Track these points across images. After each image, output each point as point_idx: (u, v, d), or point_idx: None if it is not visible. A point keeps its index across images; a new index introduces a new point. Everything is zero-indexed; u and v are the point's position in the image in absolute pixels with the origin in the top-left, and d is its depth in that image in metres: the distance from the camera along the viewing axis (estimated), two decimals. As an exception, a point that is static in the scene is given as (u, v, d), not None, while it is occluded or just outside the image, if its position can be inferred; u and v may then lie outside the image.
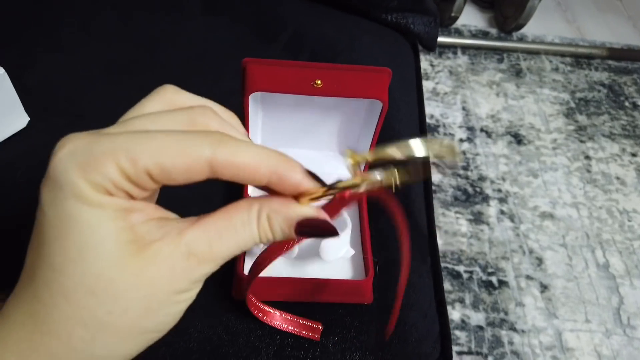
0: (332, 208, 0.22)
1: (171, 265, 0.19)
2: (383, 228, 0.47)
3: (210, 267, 0.20)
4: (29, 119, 0.49)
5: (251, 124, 0.40)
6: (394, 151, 0.20)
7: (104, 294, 0.18)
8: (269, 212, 0.20)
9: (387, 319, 0.42)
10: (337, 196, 0.22)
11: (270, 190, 0.21)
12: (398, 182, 0.21)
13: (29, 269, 0.19)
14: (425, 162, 0.21)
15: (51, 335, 0.18)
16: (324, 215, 0.21)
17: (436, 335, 0.44)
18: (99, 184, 0.18)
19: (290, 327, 0.38)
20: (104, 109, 0.53)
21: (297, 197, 0.21)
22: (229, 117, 0.23)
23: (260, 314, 0.37)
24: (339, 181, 0.21)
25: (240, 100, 0.40)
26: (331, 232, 0.21)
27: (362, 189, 0.21)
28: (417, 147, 0.20)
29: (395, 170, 0.21)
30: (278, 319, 0.37)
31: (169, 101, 0.22)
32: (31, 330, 0.19)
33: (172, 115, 0.20)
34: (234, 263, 0.40)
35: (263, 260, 0.30)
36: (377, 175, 0.21)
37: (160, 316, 0.19)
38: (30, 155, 0.48)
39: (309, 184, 0.20)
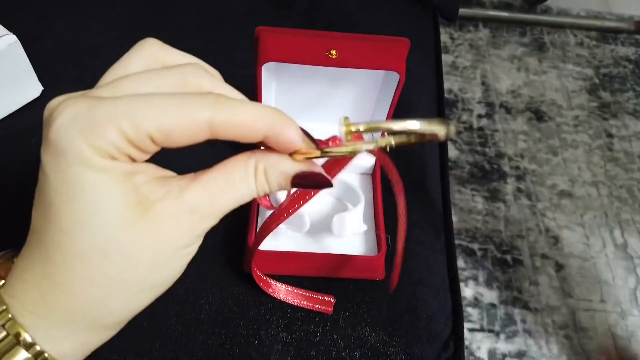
0: (328, 167, 0.23)
1: (176, 223, 0.19)
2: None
3: (212, 221, 0.21)
4: (42, 87, 0.49)
5: (264, 95, 0.39)
6: (388, 123, 0.21)
7: (115, 255, 0.19)
8: (265, 166, 0.21)
9: (399, 295, 0.41)
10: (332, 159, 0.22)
11: (267, 147, 0.21)
12: (393, 144, 0.21)
13: (37, 231, 0.20)
14: (420, 134, 0.21)
15: (67, 295, 0.19)
16: (319, 169, 0.22)
17: (448, 313, 0.43)
18: (102, 149, 0.18)
19: (302, 302, 0.38)
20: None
21: (291, 154, 0.21)
22: (216, 74, 0.23)
23: (264, 285, 0.37)
24: (333, 137, 0.22)
25: (252, 71, 0.39)
26: (326, 183, 0.22)
27: (354, 156, 0.22)
28: (413, 123, 0.20)
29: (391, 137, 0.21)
30: (283, 292, 0.37)
31: (154, 58, 0.22)
32: (46, 290, 0.19)
33: (164, 76, 0.20)
34: (245, 236, 0.40)
35: (267, 227, 0.30)
36: (372, 140, 0.21)
37: (167, 270, 0.21)
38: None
39: (303, 143, 0.21)
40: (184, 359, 0.37)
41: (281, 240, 0.40)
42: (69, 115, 0.18)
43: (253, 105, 0.20)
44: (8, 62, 0.44)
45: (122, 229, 0.19)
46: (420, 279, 0.43)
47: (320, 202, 0.43)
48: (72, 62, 0.53)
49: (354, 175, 0.45)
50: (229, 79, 0.59)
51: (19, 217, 0.41)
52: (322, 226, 0.41)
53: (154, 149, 0.19)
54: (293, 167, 0.21)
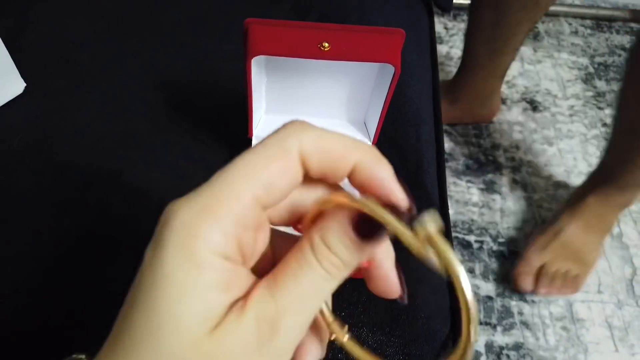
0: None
1: (243, 340, 0.17)
2: (393, 200, 0.45)
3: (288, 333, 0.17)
4: (25, 84, 0.47)
5: (254, 90, 0.37)
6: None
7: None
8: (321, 232, 0.18)
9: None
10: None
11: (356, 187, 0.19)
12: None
13: (120, 332, 0.18)
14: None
15: None
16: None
17: (447, 311, 0.43)
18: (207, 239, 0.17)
19: None
20: (104, 72, 0.51)
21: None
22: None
23: None
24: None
25: (242, 66, 0.38)
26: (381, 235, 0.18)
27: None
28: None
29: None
30: None
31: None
32: None
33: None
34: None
35: None
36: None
37: None
38: (27, 123, 0.46)
39: (399, 194, 0.18)
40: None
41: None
42: (176, 215, 0.17)
43: (340, 133, 0.18)
44: (-13, 58, 0.43)
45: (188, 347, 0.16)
46: (419, 277, 0.42)
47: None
48: (55, 57, 0.51)
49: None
50: (219, 73, 0.57)
51: (7, 221, 0.40)
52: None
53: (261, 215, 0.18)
54: (347, 210, 0.17)
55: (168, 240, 0.16)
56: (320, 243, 0.18)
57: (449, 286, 0.44)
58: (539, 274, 0.94)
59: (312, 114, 0.42)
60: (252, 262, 0.19)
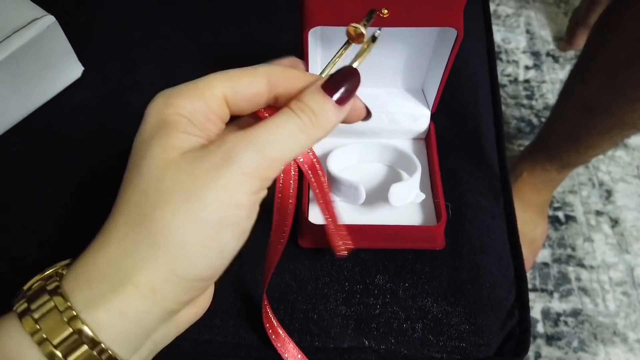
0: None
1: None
2: (454, 167, 0.44)
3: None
4: (83, 68, 0.48)
5: (310, 63, 0.37)
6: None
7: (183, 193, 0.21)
8: (298, 96, 0.24)
9: (460, 264, 0.40)
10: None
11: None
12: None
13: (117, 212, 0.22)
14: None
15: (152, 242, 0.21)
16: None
17: (511, 279, 0.42)
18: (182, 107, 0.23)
19: None
20: (155, 50, 0.52)
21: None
22: None
23: (273, 336, 0.34)
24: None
25: (292, 37, 0.37)
26: (353, 74, 0.24)
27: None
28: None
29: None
30: (289, 351, 0.34)
31: None
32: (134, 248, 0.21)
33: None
34: (300, 210, 0.38)
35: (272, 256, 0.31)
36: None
37: (241, 210, 0.22)
38: (88, 107, 0.47)
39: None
40: (245, 335, 0.37)
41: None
42: (160, 95, 0.24)
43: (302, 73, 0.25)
44: (48, 45, 0.43)
45: (184, 168, 0.21)
46: (482, 246, 0.41)
47: (373, 171, 0.42)
48: (109, 39, 0.52)
49: (407, 140, 0.43)
50: (269, 45, 0.56)
51: (67, 198, 0.42)
52: (378, 196, 0.40)
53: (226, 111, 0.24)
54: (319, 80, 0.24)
55: (149, 113, 0.23)
56: (297, 101, 0.23)
57: (512, 253, 0.43)
58: None
59: (368, 83, 0.41)
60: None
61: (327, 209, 0.29)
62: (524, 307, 0.41)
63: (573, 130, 0.76)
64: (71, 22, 0.52)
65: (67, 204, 0.42)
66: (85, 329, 0.20)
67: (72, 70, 0.47)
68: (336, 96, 0.23)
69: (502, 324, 0.39)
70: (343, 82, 0.24)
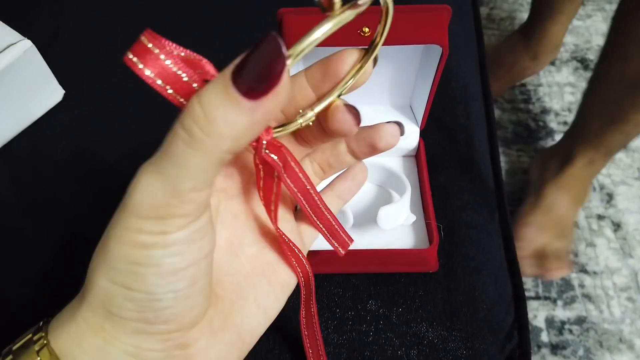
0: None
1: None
2: (446, 184, 0.43)
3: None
4: (64, 91, 0.47)
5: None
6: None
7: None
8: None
9: (455, 286, 0.38)
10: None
11: None
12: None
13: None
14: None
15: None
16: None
17: (509, 299, 0.40)
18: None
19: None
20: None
21: None
22: None
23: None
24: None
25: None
26: (268, 45, 0.16)
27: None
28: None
29: None
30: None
31: None
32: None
33: None
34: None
35: None
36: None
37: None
38: (69, 130, 0.46)
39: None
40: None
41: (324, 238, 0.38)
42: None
43: None
44: (26, 69, 0.42)
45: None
46: (477, 266, 0.40)
47: (362, 191, 0.40)
48: (91, 61, 0.51)
49: (397, 158, 0.42)
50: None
51: (48, 227, 0.40)
52: (368, 218, 0.39)
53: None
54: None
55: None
56: (189, 102, 0.17)
57: (510, 271, 0.41)
58: (540, 256, 0.88)
59: (355, 101, 0.40)
60: None
61: (320, 214, 0.26)
62: (524, 328, 0.39)
63: (619, 111, 0.76)
64: (51, 45, 0.51)
65: (47, 230, 0.40)
66: None
67: (52, 93, 0.46)
68: (242, 86, 0.16)
69: (501, 347, 0.38)
70: (249, 61, 0.16)
